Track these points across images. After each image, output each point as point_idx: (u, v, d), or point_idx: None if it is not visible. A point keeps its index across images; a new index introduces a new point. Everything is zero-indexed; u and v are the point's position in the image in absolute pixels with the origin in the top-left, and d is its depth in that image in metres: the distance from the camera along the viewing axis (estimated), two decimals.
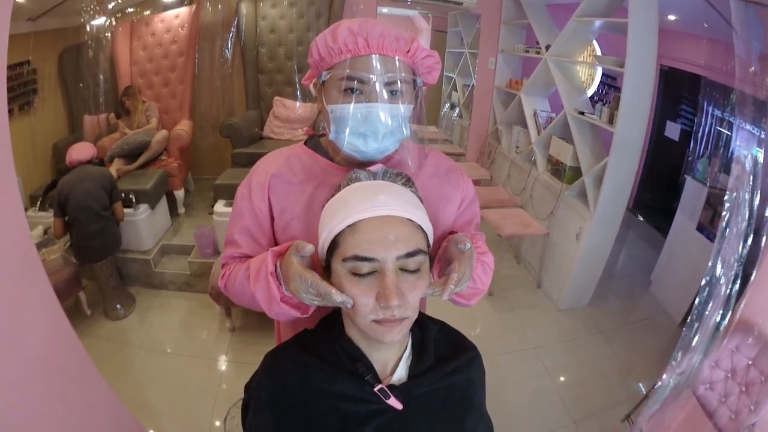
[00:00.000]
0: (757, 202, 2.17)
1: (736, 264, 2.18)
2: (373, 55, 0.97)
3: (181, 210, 4.66)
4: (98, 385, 1.84)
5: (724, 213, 2.14)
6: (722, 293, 2.17)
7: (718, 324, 2.19)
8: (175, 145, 4.53)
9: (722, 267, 2.20)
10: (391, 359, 0.96)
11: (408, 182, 0.96)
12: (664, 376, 2.24)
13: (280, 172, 1.12)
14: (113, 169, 4.03)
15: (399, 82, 1.00)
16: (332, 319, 1.02)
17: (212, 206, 3.83)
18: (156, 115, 4.57)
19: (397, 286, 0.81)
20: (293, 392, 0.91)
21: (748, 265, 2.19)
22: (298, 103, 4.83)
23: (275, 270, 0.96)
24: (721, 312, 2.18)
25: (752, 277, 2.16)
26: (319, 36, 1.01)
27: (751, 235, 2.16)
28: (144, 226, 3.86)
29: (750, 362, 2.06)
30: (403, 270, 0.84)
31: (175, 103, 4.83)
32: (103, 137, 4.52)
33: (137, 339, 3.26)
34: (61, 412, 1.57)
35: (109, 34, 4.57)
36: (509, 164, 5.04)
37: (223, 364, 3.08)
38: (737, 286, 2.18)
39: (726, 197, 2.14)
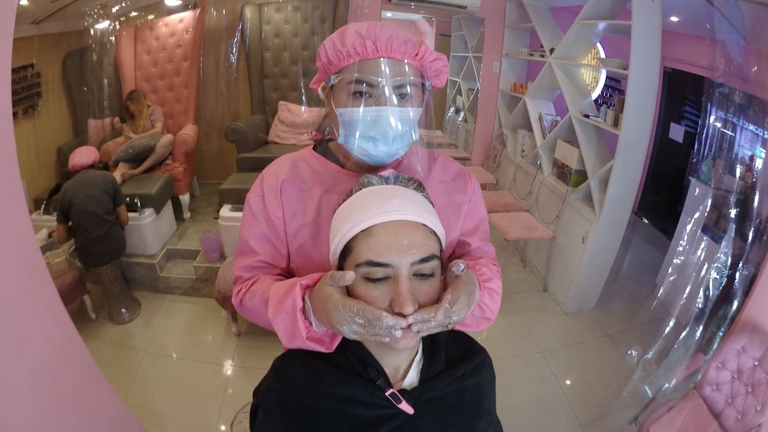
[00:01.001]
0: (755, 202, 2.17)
1: (732, 265, 2.18)
2: (382, 59, 0.97)
3: (187, 215, 4.65)
4: (103, 388, 1.84)
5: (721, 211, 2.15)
6: (720, 292, 2.18)
7: (717, 324, 2.20)
8: (180, 150, 4.53)
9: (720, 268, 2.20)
10: (403, 364, 0.96)
11: (419, 187, 0.96)
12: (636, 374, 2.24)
13: (290, 177, 1.12)
14: (118, 173, 4.04)
15: (408, 85, 1.00)
16: None
17: (218, 211, 3.83)
18: (161, 120, 4.57)
19: (412, 292, 0.81)
20: (303, 397, 0.90)
21: (751, 266, 2.19)
22: (303, 108, 4.84)
23: (304, 306, 0.92)
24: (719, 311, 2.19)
25: (757, 278, 2.16)
26: (327, 39, 1.01)
27: (750, 236, 2.17)
28: (149, 230, 3.86)
29: (756, 363, 2.06)
30: (417, 275, 0.83)
31: (180, 107, 4.83)
32: (108, 141, 4.53)
33: (142, 343, 3.26)
34: (65, 415, 1.57)
35: (113, 38, 4.59)
36: (515, 168, 5.03)
37: (229, 369, 3.07)
38: (736, 286, 2.19)
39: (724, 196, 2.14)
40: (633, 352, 2.38)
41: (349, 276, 0.82)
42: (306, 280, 0.93)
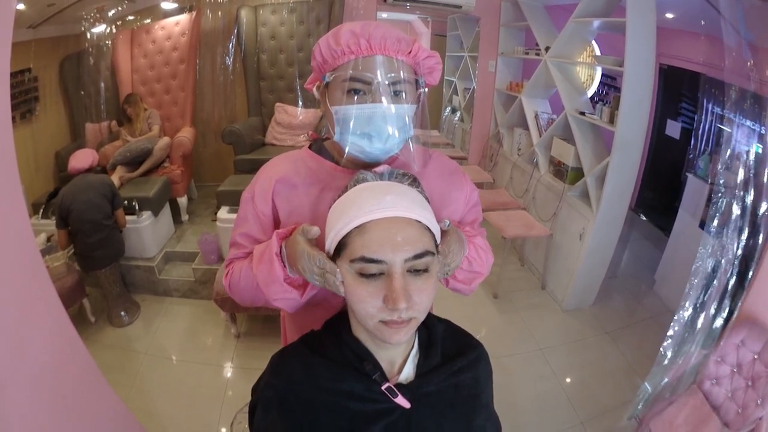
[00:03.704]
0: (751, 197, 2.18)
1: (729, 260, 2.19)
2: (376, 56, 0.98)
3: (185, 217, 4.66)
4: (104, 391, 1.84)
5: (718, 207, 2.16)
6: (717, 287, 2.18)
7: (714, 318, 2.20)
8: (177, 152, 4.54)
9: (717, 263, 2.20)
10: (398, 358, 0.97)
11: (414, 182, 0.97)
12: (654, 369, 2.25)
13: (285, 176, 1.13)
14: (116, 176, 4.04)
15: (402, 82, 1.01)
16: (338, 320, 1.02)
17: (215, 213, 3.83)
18: (158, 123, 4.58)
19: (405, 288, 0.81)
20: (301, 392, 0.91)
21: (750, 260, 2.20)
22: (299, 110, 4.83)
23: (280, 251, 0.98)
24: (715, 305, 2.19)
25: (756, 271, 2.17)
26: (322, 39, 1.02)
27: (747, 230, 2.17)
28: (147, 233, 3.86)
29: (755, 356, 2.07)
30: (411, 271, 0.83)
31: (177, 110, 4.83)
32: (105, 145, 4.53)
33: (142, 346, 3.26)
34: (66, 419, 1.57)
35: (110, 42, 4.59)
36: (511, 167, 5.04)
37: (228, 371, 3.08)
38: (733, 280, 2.19)
39: (720, 191, 2.15)
40: (647, 384, 2.40)
41: (314, 231, 0.94)
42: (283, 231, 1.02)
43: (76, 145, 4.47)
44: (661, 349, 2.28)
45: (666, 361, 2.28)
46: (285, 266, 0.98)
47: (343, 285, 0.86)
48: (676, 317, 2.25)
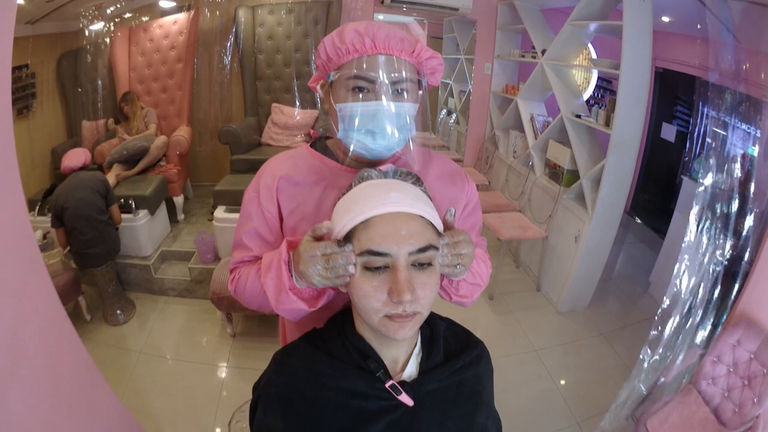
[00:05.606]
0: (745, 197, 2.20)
1: (719, 261, 2.21)
2: (380, 55, 1.00)
3: (181, 216, 4.65)
4: (101, 389, 1.84)
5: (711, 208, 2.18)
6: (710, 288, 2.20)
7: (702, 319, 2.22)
8: (174, 151, 4.54)
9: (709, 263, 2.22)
10: (402, 356, 0.97)
11: (417, 181, 0.98)
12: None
13: (288, 174, 1.13)
14: (112, 174, 4.04)
15: (405, 81, 1.02)
16: (341, 317, 1.02)
17: (212, 212, 3.82)
18: (155, 121, 4.57)
19: (409, 281, 0.82)
20: (303, 389, 0.91)
21: (742, 260, 2.22)
22: (296, 110, 4.84)
23: (289, 259, 0.97)
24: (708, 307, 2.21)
25: (750, 272, 2.19)
26: (326, 38, 1.03)
27: (740, 231, 2.19)
28: (143, 231, 3.85)
29: (751, 356, 2.09)
30: (415, 266, 0.84)
31: (174, 109, 4.83)
32: (102, 143, 4.52)
33: (137, 345, 3.25)
34: (64, 416, 1.57)
35: (108, 40, 4.58)
36: (507, 169, 5.06)
37: (224, 371, 3.07)
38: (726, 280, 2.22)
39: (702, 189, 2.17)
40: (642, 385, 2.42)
41: (325, 225, 0.89)
42: (293, 239, 1.01)
43: (73, 143, 4.47)
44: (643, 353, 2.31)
45: (646, 364, 2.31)
46: (292, 276, 0.97)
47: (354, 266, 0.85)
48: (656, 318, 2.28)
